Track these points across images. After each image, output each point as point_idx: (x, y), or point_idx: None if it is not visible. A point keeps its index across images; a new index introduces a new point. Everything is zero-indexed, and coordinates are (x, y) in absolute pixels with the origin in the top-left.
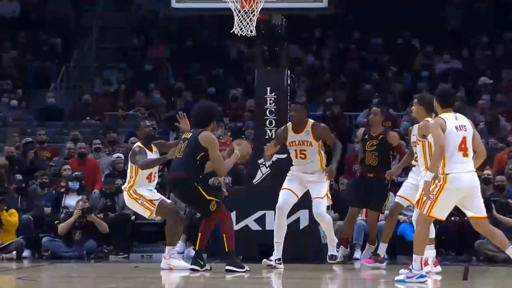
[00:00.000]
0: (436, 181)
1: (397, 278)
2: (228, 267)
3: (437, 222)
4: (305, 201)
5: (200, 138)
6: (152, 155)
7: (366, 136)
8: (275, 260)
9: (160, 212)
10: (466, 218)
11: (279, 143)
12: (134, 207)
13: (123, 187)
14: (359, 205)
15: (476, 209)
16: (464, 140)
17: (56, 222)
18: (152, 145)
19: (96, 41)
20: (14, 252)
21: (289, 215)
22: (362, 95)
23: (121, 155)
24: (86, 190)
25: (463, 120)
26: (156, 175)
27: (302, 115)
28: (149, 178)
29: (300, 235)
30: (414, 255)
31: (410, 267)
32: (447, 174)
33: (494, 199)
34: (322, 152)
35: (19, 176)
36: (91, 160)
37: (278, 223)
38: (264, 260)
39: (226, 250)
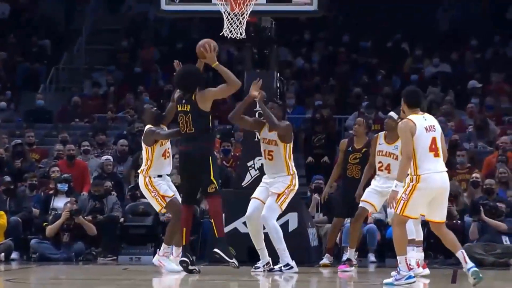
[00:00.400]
0: (408, 181)
1: (385, 281)
2: (216, 250)
3: (425, 225)
4: (293, 204)
5: (200, 103)
6: None
7: (350, 148)
8: (263, 265)
9: (168, 208)
10: (454, 222)
11: (255, 124)
12: (146, 196)
13: (140, 170)
14: (344, 215)
15: (439, 215)
16: (434, 140)
17: (44, 224)
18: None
19: (85, 43)
20: (2, 254)
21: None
22: (352, 98)
23: (110, 157)
24: (75, 192)
25: (431, 120)
26: (170, 151)
27: (277, 114)
28: (164, 155)
29: (289, 238)
30: (398, 257)
31: (398, 269)
32: (420, 175)
33: (482, 202)
34: (288, 159)
35: (7, 178)
36: (80, 162)
37: (251, 232)
38: (251, 270)
39: (216, 236)
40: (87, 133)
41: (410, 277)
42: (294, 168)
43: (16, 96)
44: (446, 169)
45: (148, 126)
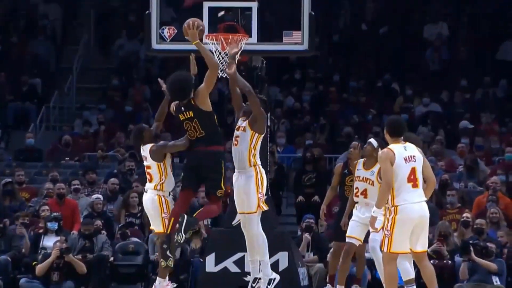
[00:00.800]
0: (387, 215)
1: None
2: (185, 217)
3: (416, 265)
4: (284, 243)
5: (200, 105)
6: None
7: (346, 171)
8: (252, 283)
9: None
10: (445, 261)
11: (239, 105)
12: (154, 213)
13: (151, 186)
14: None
15: (421, 244)
16: (413, 171)
17: (33, 263)
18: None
19: (76, 81)
20: None
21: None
22: (342, 138)
23: (100, 196)
24: (65, 231)
25: (412, 150)
26: None
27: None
28: (171, 166)
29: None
30: None
31: None
32: (397, 205)
33: (473, 242)
34: (253, 149)
35: None
36: (70, 200)
37: (246, 241)
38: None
39: (193, 215)
40: (77, 172)
41: None
42: (257, 160)
43: (7, 135)
44: (426, 199)
45: (151, 144)
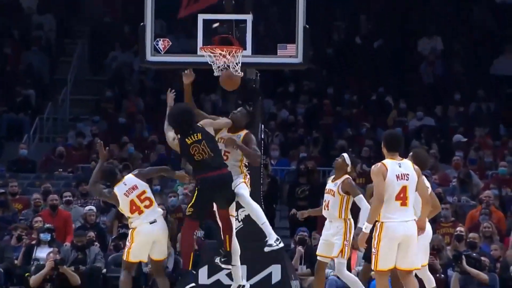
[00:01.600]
0: (374, 232)
1: None
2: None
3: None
4: (277, 256)
5: (206, 127)
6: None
7: None
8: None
9: (159, 266)
10: (437, 275)
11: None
12: (163, 238)
13: (158, 212)
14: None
15: (406, 262)
16: (404, 189)
17: (26, 274)
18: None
19: (70, 93)
20: None
21: (260, 270)
22: (336, 151)
23: (93, 207)
24: (57, 242)
25: (407, 168)
26: None
27: (239, 121)
28: None
29: None
30: None
31: None
32: (382, 222)
33: (466, 253)
34: (242, 165)
35: None
36: (63, 212)
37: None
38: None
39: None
40: (70, 183)
41: None
42: (245, 169)
43: (0, 146)
44: (415, 218)
45: (132, 173)
